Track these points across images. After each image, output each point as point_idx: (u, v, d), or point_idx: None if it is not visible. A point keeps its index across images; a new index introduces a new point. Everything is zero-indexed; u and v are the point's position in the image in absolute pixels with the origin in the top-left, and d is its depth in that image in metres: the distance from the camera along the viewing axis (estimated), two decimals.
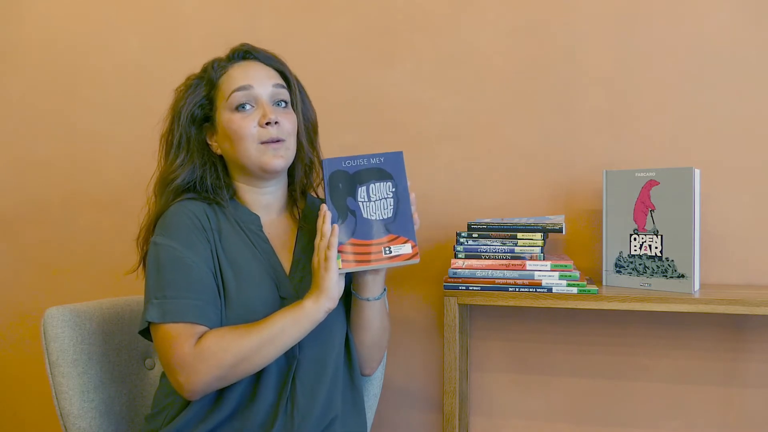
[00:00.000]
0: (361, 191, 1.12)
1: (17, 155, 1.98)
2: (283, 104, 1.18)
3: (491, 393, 1.65)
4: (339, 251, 1.08)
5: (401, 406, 1.70)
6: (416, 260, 1.09)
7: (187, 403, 1.10)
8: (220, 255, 1.12)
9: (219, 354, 1.02)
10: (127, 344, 1.32)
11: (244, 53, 1.21)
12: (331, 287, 1.06)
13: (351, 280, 1.20)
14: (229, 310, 1.09)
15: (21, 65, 1.98)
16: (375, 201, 1.11)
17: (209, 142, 1.20)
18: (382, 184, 1.12)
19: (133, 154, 1.87)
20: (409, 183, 1.13)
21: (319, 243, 1.08)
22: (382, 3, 1.70)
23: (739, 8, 1.50)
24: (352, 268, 1.08)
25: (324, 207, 1.10)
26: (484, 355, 1.65)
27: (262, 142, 1.13)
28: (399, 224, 1.10)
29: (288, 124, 1.16)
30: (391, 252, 1.09)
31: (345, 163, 1.13)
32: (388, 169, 1.13)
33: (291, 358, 1.11)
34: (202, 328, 1.05)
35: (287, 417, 1.09)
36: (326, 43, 1.74)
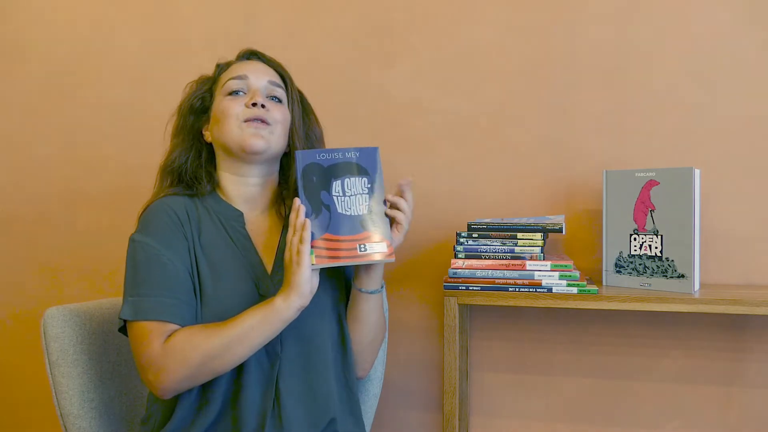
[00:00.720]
0: (336, 185, 1.08)
1: (17, 155, 1.98)
2: (276, 100, 1.21)
3: (491, 393, 1.65)
4: (312, 246, 1.05)
5: (401, 406, 1.70)
6: (391, 259, 1.07)
7: (172, 409, 1.09)
8: (197, 251, 1.12)
9: (187, 352, 1.01)
10: (128, 344, 1.32)
11: (250, 54, 1.26)
12: (302, 283, 1.02)
13: (353, 275, 1.20)
14: (205, 308, 1.08)
15: (21, 65, 1.98)
16: (350, 196, 1.08)
17: (203, 132, 1.23)
18: (357, 179, 1.09)
19: (132, 155, 1.87)
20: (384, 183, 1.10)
21: (292, 238, 1.05)
22: (382, 3, 1.71)
23: (739, 8, 1.50)
24: (326, 264, 1.05)
25: (297, 201, 1.07)
26: (484, 355, 1.65)
27: (246, 120, 1.15)
28: (374, 221, 1.08)
29: (277, 113, 1.18)
30: (366, 249, 1.06)
31: (319, 156, 1.09)
32: (363, 164, 1.09)
33: (273, 356, 1.10)
34: (173, 327, 1.04)
35: (275, 418, 1.08)
36: (326, 43, 1.74)
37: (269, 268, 1.16)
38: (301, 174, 1.08)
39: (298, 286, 1.02)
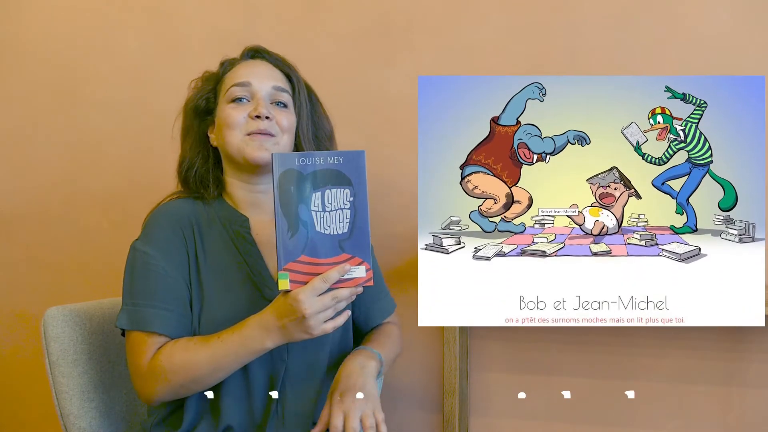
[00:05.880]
0: (316, 198, 0.98)
1: (17, 155, 1.98)
2: (282, 105, 1.18)
3: (491, 393, 1.65)
4: (288, 269, 0.97)
5: (401, 406, 1.70)
6: (370, 284, 1.00)
7: (180, 419, 1.10)
8: (200, 257, 1.11)
9: (169, 374, 1.03)
10: None
11: (255, 53, 1.23)
12: (298, 337, 1.00)
13: None
14: (204, 315, 1.09)
15: (21, 65, 1.98)
16: (330, 212, 0.98)
17: (209, 135, 1.22)
18: (339, 190, 0.98)
19: (133, 154, 1.86)
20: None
21: (328, 293, 0.97)
22: (382, 3, 1.70)
23: (739, 8, 1.50)
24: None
25: (346, 266, 0.99)
26: (484, 355, 1.65)
27: (249, 134, 1.13)
28: (354, 242, 0.99)
29: (283, 120, 1.16)
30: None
31: (299, 161, 0.98)
32: (346, 172, 0.98)
33: (279, 362, 1.11)
34: (164, 339, 1.06)
35: (278, 420, 1.10)
36: (326, 43, 1.74)
37: (274, 273, 1.15)
38: (278, 182, 0.97)
39: (288, 337, 1.00)
